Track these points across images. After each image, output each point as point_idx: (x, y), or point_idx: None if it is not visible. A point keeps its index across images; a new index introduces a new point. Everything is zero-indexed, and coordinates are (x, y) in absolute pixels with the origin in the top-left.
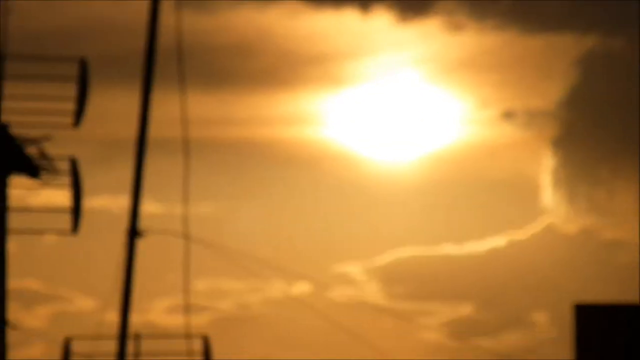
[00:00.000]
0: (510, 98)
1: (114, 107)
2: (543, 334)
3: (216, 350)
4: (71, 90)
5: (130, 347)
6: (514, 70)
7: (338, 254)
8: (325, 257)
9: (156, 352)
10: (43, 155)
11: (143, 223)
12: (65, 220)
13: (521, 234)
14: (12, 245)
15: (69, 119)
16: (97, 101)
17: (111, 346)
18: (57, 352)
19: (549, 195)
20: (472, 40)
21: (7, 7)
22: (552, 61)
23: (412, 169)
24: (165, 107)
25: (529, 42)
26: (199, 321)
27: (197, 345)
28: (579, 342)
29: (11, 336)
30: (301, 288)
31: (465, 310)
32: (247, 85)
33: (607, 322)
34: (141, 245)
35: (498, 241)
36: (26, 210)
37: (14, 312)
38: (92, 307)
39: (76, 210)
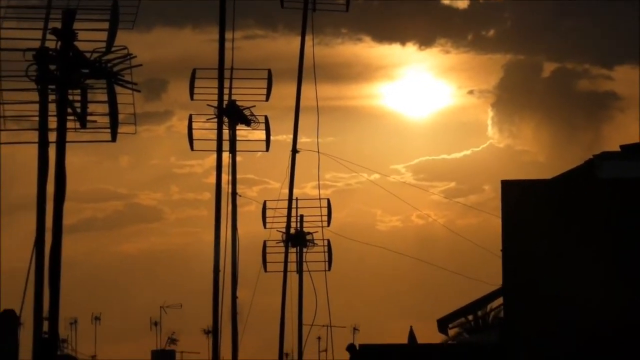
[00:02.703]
0: (472, 85)
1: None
2: (490, 195)
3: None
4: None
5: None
6: (475, 72)
7: (394, 159)
8: (387, 161)
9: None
10: (252, 115)
11: (298, 146)
12: (263, 146)
13: (478, 148)
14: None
15: (263, 97)
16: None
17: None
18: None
19: (490, 129)
20: (455, 58)
21: None
22: (491, 67)
23: (428, 119)
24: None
25: (481, 58)
26: (326, 192)
27: (324, 203)
28: (504, 207)
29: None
30: (375, 176)
31: (451, 184)
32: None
33: (524, 193)
34: (298, 157)
35: (467, 152)
36: (247, 140)
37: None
38: (278, 186)
39: (267, 141)
